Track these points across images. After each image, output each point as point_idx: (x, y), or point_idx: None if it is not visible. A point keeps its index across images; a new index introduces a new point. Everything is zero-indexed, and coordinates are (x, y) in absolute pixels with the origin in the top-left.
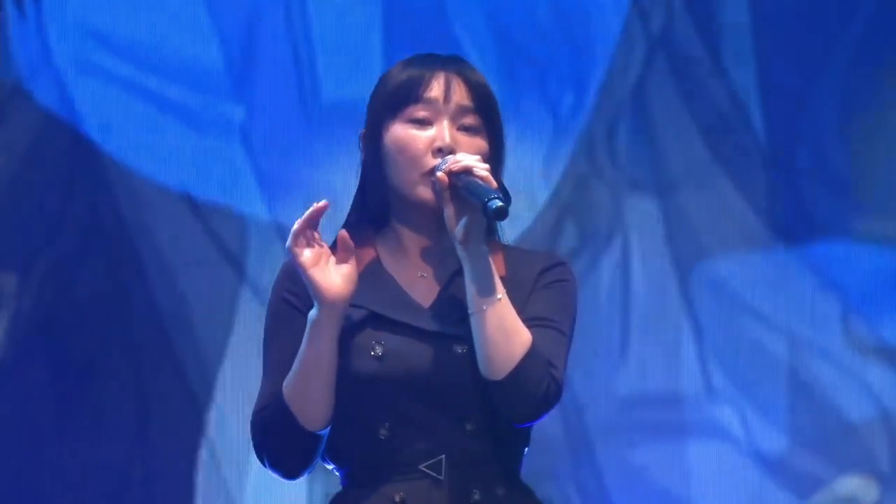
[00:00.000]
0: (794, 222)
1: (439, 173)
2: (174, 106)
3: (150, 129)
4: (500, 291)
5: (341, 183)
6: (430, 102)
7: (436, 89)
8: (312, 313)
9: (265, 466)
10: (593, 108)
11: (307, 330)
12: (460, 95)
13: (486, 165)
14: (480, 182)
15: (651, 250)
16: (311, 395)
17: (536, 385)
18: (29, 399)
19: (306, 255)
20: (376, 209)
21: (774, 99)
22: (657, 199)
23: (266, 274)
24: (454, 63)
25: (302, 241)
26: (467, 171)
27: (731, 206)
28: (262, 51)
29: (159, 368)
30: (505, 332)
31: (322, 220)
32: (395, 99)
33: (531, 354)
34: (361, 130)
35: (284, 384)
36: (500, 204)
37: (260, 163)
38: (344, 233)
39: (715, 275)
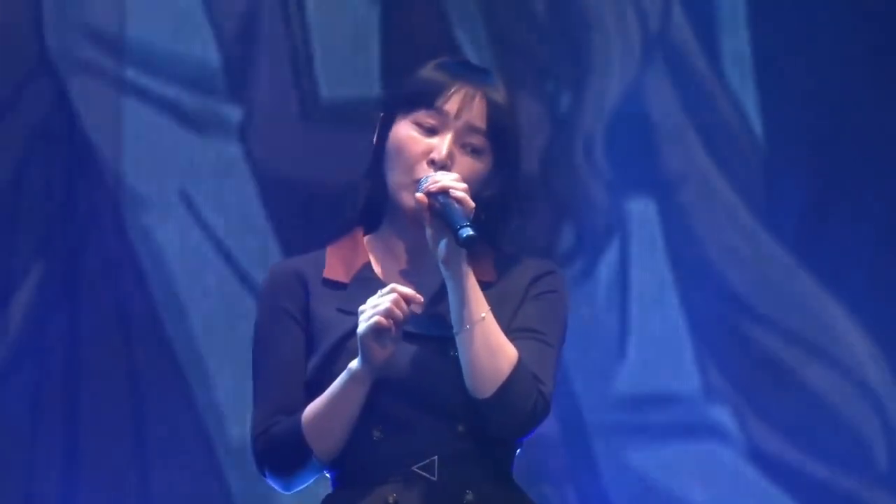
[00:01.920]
0: (793, 222)
1: (418, 194)
2: (171, 106)
3: (147, 129)
4: (484, 309)
5: (337, 183)
6: (442, 114)
7: (451, 103)
8: (355, 366)
9: (263, 476)
10: (591, 109)
11: (345, 378)
12: (475, 115)
13: (464, 186)
14: (456, 206)
15: (649, 250)
16: (334, 434)
17: (523, 402)
18: (28, 402)
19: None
20: (373, 202)
21: (772, 99)
22: (656, 200)
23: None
24: (482, 79)
25: (396, 318)
26: (445, 192)
27: (729, 207)
28: (259, 50)
29: (157, 371)
30: (490, 350)
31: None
32: (411, 99)
33: (517, 371)
34: (381, 114)
35: (306, 418)
36: (469, 233)
37: (258, 163)
38: (420, 298)
39: (714, 275)
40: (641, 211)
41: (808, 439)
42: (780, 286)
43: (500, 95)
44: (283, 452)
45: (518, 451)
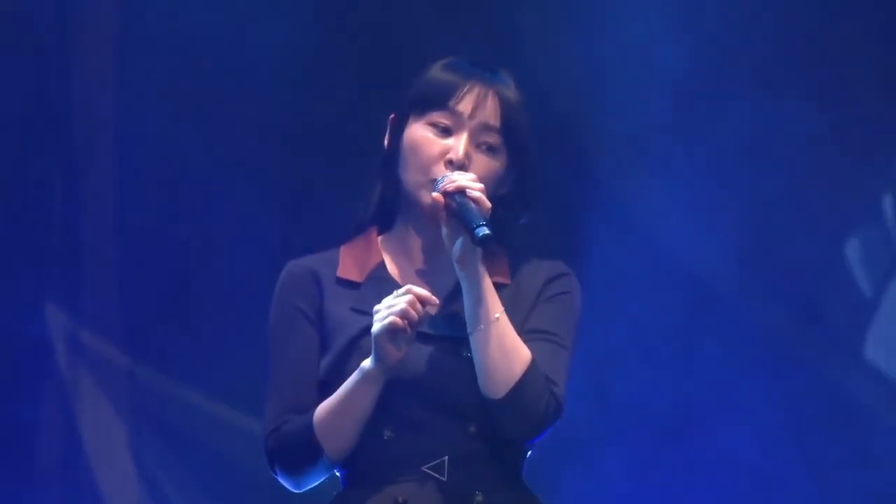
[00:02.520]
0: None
1: (434, 194)
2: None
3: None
4: (498, 310)
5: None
6: (456, 114)
7: (465, 102)
8: (367, 365)
9: (274, 474)
10: (590, 110)
11: (357, 378)
12: (489, 113)
13: (481, 186)
14: (472, 205)
15: (654, 252)
16: (346, 433)
17: (536, 403)
18: (28, 402)
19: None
20: (388, 201)
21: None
22: (664, 201)
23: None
24: (493, 77)
25: (412, 319)
26: (461, 192)
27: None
28: (262, 45)
29: (158, 370)
30: (503, 350)
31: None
32: (424, 100)
33: (530, 372)
34: (391, 114)
35: (317, 416)
36: (485, 232)
37: (259, 158)
38: (435, 300)
39: (720, 270)
40: (652, 211)
41: (811, 448)
42: (790, 278)
43: (512, 93)
44: (294, 451)
45: (529, 453)
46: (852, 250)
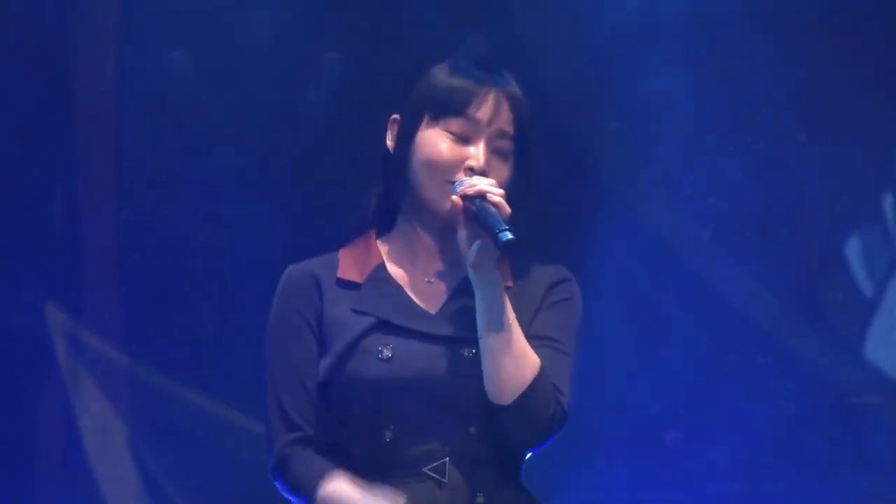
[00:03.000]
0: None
1: (454, 196)
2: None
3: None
4: (511, 316)
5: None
6: (474, 121)
7: (483, 110)
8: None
9: (274, 481)
10: (587, 111)
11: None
12: (504, 120)
13: (501, 191)
14: (493, 210)
15: (654, 252)
16: None
17: (544, 409)
18: (29, 402)
19: None
20: (390, 201)
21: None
22: (663, 202)
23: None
24: (504, 81)
25: None
26: (481, 196)
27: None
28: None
29: (158, 369)
30: (514, 356)
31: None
32: (439, 104)
33: (539, 379)
34: (394, 115)
35: (325, 495)
36: (509, 237)
37: (260, 157)
38: None
39: (724, 278)
40: (653, 215)
41: (812, 456)
42: (790, 277)
43: (521, 97)
44: (294, 488)
45: (529, 454)
46: (852, 250)
